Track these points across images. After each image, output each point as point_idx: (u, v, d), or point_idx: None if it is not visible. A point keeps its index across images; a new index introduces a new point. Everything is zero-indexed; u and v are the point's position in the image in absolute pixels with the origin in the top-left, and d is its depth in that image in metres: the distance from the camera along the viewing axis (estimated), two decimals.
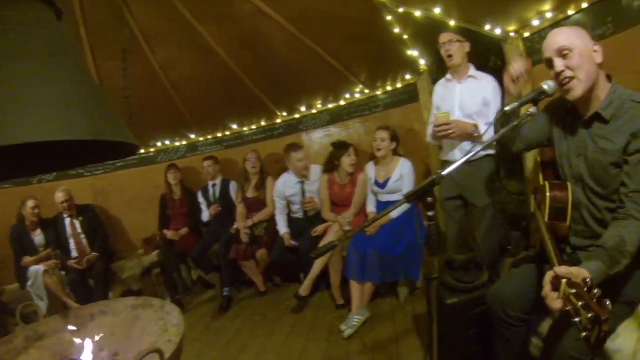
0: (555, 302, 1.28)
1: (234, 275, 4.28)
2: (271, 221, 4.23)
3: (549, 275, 1.33)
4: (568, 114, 1.81)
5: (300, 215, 4.18)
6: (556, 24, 2.46)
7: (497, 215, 2.96)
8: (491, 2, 2.62)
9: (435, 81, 3.14)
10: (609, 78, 1.69)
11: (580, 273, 1.30)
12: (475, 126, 2.72)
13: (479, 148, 1.69)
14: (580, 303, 1.12)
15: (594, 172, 1.67)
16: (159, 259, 4.57)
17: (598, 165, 1.65)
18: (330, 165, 3.90)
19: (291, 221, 4.18)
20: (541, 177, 1.96)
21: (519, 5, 2.57)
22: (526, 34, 2.79)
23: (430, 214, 1.61)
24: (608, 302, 1.08)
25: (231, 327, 3.67)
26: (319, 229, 3.78)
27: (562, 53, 1.62)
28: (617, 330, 1.63)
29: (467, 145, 2.83)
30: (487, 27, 2.84)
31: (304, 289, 3.64)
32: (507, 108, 1.64)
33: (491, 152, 2.80)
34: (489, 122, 2.67)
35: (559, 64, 1.63)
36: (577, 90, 1.62)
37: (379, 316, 3.36)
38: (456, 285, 2.40)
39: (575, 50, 1.60)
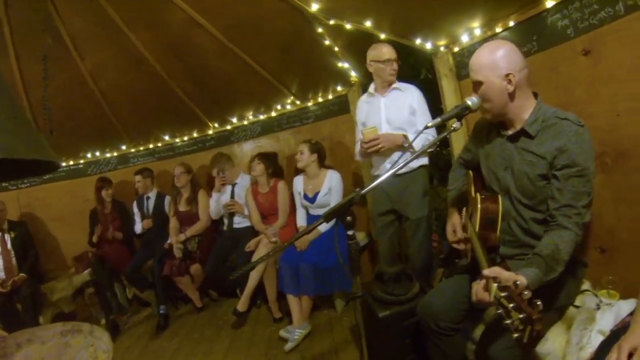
0: (484, 294, 1.37)
1: (170, 292, 4.15)
2: (203, 235, 4.14)
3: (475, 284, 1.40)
4: (496, 128, 1.88)
5: (241, 225, 4.11)
6: (484, 40, 2.54)
7: (430, 225, 3.01)
8: (421, 17, 2.67)
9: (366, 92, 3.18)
10: (534, 95, 1.76)
11: (510, 277, 1.36)
12: (405, 136, 2.75)
13: (401, 163, 1.71)
14: (511, 305, 1.16)
15: (521, 184, 1.73)
16: (91, 278, 4.30)
17: (524, 177, 1.71)
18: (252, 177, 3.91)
19: (232, 231, 4.11)
20: (472, 189, 2.01)
21: (449, 21, 2.64)
22: (455, 49, 2.87)
23: (350, 232, 1.60)
24: (539, 302, 1.12)
25: (169, 347, 3.54)
26: (252, 243, 3.73)
27: (474, 82, 1.73)
28: (546, 334, 1.71)
29: (396, 157, 2.86)
30: (418, 41, 2.89)
31: (241, 304, 3.57)
32: (429, 124, 1.67)
33: (425, 162, 2.85)
34: (417, 129, 2.73)
35: (474, 90, 1.75)
36: (488, 115, 1.76)
37: (317, 328, 3.36)
38: (387, 298, 2.41)
39: (484, 84, 1.70)
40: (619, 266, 1.97)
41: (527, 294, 1.15)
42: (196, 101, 4.34)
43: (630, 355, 1.23)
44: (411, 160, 1.78)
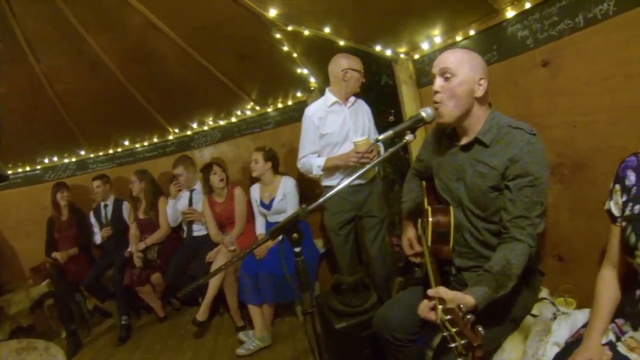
0: (430, 314, 1.36)
1: (131, 302, 4.02)
2: (164, 243, 4.05)
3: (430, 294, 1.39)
4: (448, 138, 1.84)
5: (201, 232, 4.03)
6: (445, 48, 2.53)
7: (387, 233, 3.01)
8: (381, 24, 2.63)
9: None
10: (488, 105, 1.73)
11: (456, 298, 1.33)
12: (377, 146, 2.78)
13: (361, 171, 1.66)
14: (454, 329, 1.13)
15: (473, 195, 1.70)
16: (50, 289, 4.13)
17: (476, 189, 1.68)
18: (207, 188, 3.82)
19: (192, 239, 4.03)
20: (425, 201, 1.98)
21: (409, 28, 2.61)
22: (416, 56, 2.86)
23: (296, 249, 1.56)
24: (480, 329, 1.09)
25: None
26: (212, 254, 3.65)
27: (445, 74, 1.64)
28: (503, 345, 1.70)
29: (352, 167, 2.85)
30: (378, 48, 2.86)
31: (201, 313, 3.50)
32: (380, 137, 1.61)
33: (384, 171, 2.85)
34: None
35: (437, 82, 1.66)
36: (445, 117, 1.66)
37: (279, 336, 3.33)
38: (344, 309, 2.39)
39: (457, 77, 1.63)
40: (576, 275, 1.99)
41: (469, 318, 1.13)
42: (156, 106, 4.23)
43: None
44: (364, 171, 1.74)
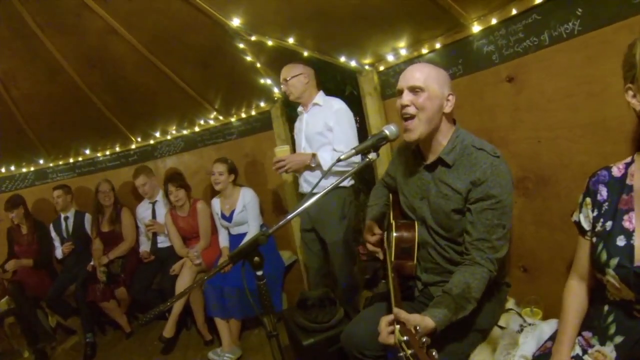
0: (389, 338, 1.33)
1: (96, 318, 3.87)
2: (128, 256, 3.92)
3: (388, 318, 1.37)
4: (413, 156, 1.82)
5: (165, 244, 3.93)
6: (410, 61, 2.54)
7: (352, 247, 2.93)
8: (346, 35, 2.61)
9: (289, 109, 3.10)
10: (453, 122, 1.72)
11: (414, 320, 1.32)
12: (313, 155, 2.69)
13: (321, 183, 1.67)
14: (410, 351, 1.11)
15: (437, 216, 1.69)
16: (10, 307, 3.86)
17: (440, 210, 1.67)
18: (170, 202, 3.71)
19: (157, 251, 3.93)
20: (391, 216, 1.96)
21: (374, 40, 2.60)
22: (381, 68, 2.84)
23: (259, 273, 1.51)
24: (434, 352, 1.07)
25: None
26: (176, 267, 3.55)
27: (415, 90, 1.62)
28: (471, 356, 1.70)
29: (309, 176, 2.81)
30: (342, 59, 2.84)
31: (167, 330, 3.41)
32: (342, 156, 1.58)
33: (345, 184, 2.76)
34: (334, 147, 2.65)
35: (406, 97, 1.63)
36: (414, 132, 1.63)
37: (248, 350, 3.26)
38: (310, 326, 2.35)
39: (427, 92, 1.61)
40: (541, 285, 2.02)
41: (425, 341, 1.10)
42: (117, 114, 4.08)
43: None
44: (319, 181, 1.71)
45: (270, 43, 2.84)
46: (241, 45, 2.94)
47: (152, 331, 3.90)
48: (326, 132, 2.71)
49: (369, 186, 2.41)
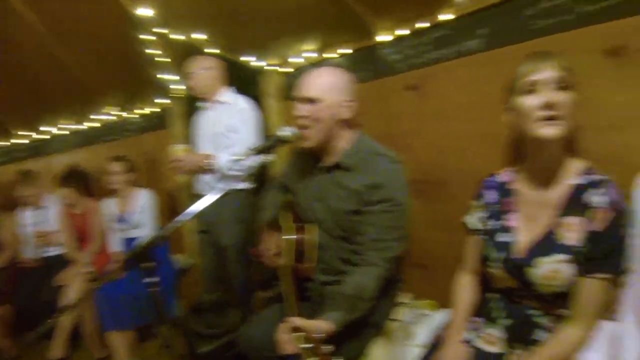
0: (288, 345, 1.35)
1: None
2: (9, 268, 3.51)
3: (285, 326, 1.40)
4: (312, 158, 1.82)
5: (53, 252, 3.55)
6: (317, 64, 2.58)
7: (248, 250, 2.84)
8: (253, 35, 2.62)
9: (192, 106, 2.98)
10: (354, 126, 1.74)
11: (313, 327, 1.35)
12: (208, 157, 2.58)
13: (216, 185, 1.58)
14: (312, 359, 1.17)
15: (334, 218, 1.71)
16: None
17: (338, 212, 1.69)
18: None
19: (44, 259, 3.53)
20: (287, 217, 1.94)
21: (282, 41, 2.62)
22: (286, 69, 2.84)
23: (152, 279, 1.41)
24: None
25: None
26: (63, 277, 3.20)
27: (309, 100, 1.62)
28: (368, 351, 1.71)
29: (206, 177, 2.68)
30: (248, 58, 2.82)
31: (55, 349, 3.04)
32: (237, 158, 1.56)
33: (241, 186, 2.64)
34: (235, 150, 2.53)
35: (300, 108, 1.63)
36: (310, 141, 1.65)
37: None
38: (206, 332, 2.28)
39: (322, 103, 1.62)
40: (435, 280, 2.10)
41: (325, 349, 1.18)
42: (5, 104, 3.70)
43: None
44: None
45: (177, 37, 2.75)
46: (146, 37, 2.81)
47: (42, 352, 3.30)
48: (230, 133, 2.59)
49: (263, 186, 2.39)
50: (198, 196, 2.67)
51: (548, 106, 1.21)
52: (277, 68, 2.86)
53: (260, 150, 1.59)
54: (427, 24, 2.04)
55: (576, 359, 1.23)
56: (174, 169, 2.60)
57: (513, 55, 1.58)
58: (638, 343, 1.08)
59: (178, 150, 2.61)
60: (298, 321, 1.38)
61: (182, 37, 2.75)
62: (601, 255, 1.20)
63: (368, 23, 2.18)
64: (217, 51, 2.79)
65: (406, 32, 2.13)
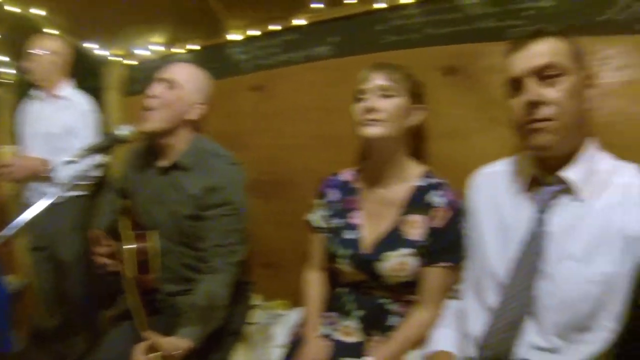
0: None
1: None
2: None
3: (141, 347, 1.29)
4: (149, 158, 1.71)
5: None
6: (164, 58, 2.44)
7: (90, 264, 2.54)
8: (97, 19, 2.36)
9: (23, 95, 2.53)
10: (195, 129, 1.68)
11: (170, 345, 1.28)
12: (45, 164, 2.23)
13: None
14: None
15: (173, 222, 1.61)
16: None
17: (176, 215, 1.60)
18: None
19: None
20: (124, 224, 1.77)
21: (128, 31, 2.43)
22: (130, 62, 2.64)
23: None
24: None
25: None
26: None
27: (168, 82, 1.55)
28: (232, 358, 1.65)
29: (39, 185, 2.30)
30: (91, 45, 2.54)
31: None
32: (73, 158, 1.44)
33: (79, 193, 2.35)
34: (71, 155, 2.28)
35: (157, 88, 1.54)
36: (151, 124, 1.54)
37: None
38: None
39: (180, 91, 1.55)
40: (285, 279, 2.12)
41: None
42: None
43: None
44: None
45: (12, 10, 2.30)
46: None
47: None
48: (67, 135, 2.27)
49: (99, 191, 2.12)
50: (28, 206, 2.28)
51: (368, 110, 1.38)
52: (122, 59, 2.62)
53: (95, 150, 1.44)
54: (279, 27, 2.09)
55: (429, 337, 1.36)
56: (4, 177, 2.17)
57: (360, 65, 1.67)
58: (478, 315, 1.23)
59: (5, 153, 2.21)
60: (155, 339, 1.29)
61: (17, 11, 2.31)
62: (442, 248, 1.37)
63: (221, 20, 2.15)
64: (56, 32, 2.43)
65: (257, 33, 2.15)
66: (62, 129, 2.28)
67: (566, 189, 1.14)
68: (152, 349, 1.28)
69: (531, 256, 1.13)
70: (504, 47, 1.50)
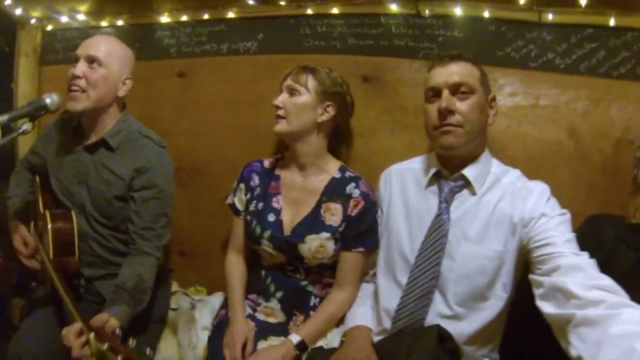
0: (83, 350, 1.13)
1: None
2: None
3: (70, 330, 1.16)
4: (73, 134, 1.66)
5: None
6: (85, 30, 2.31)
7: None
8: None
9: None
10: (123, 106, 1.68)
11: (100, 321, 1.17)
12: None
13: None
14: (119, 356, 1.01)
15: (97, 203, 1.60)
16: None
17: (101, 196, 1.59)
18: None
19: None
20: (41, 203, 1.70)
21: None
22: (49, 27, 2.43)
23: None
24: (148, 350, 1.07)
25: None
26: None
27: (91, 61, 1.52)
28: (159, 345, 1.68)
29: None
30: (7, 2, 2.27)
31: None
32: None
33: None
34: None
35: (80, 67, 1.51)
36: (80, 103, 1.52)
37: None
38: None
39: (104, 69, 1.54)
40: (201, 266, 2.18)
41: (132, 342, 1.06)
42: None
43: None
44: None
45: None
46: None
47: None
48: None
49: (5, 170, 1.94)
50: None
51: (275, 107, 1.55)
52: (40, 23, 2.39)
53: (17, 117, 1.36)
54: (208, 17, 2.10)
55: (346, 315, 1.54)
56: None
57: (283, 63, 1.82)
58: (392, 292, 1.44)
59: None
60: (83, 320, 1.18)
61: None
62: (357, 234, 1.54)
63: (152, 0, 2.11)
64: None
65: (185, 18, 2.14)
66: None
67: (465, 185, 1.41)
68: (81, 331, 1.16)
69: (436, 239, 1.37)
70: (416, 65, 1.79)
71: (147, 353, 1.10)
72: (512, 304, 1.40)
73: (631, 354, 0.82)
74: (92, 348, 1.09)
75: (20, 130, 1.36)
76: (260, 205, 1.63)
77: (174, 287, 2.01)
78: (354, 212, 1.54)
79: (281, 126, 1.54)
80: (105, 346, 1.05)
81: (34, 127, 1.40)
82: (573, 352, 0.95)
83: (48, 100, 1.44)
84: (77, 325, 1.15)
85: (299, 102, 1.54)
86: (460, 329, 1.32)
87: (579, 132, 1.66)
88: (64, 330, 1.18)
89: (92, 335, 1.07)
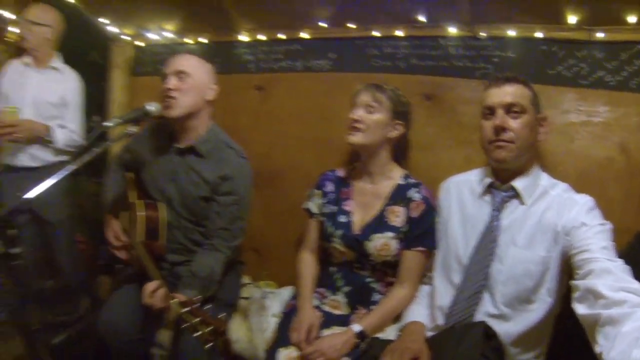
0: (156, 299, 1.48)
1: None
2: None
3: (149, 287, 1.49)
4: (167, 137, 1.90)
5: None
6: (172, 46, 2.56)
7: (74, 229, 2.62)
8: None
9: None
10: (211, 112, 1.90)
11: (175, 295, 1.44)
12: (47, 129, 2.33)
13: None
14: (196, 319, 1.25)
15: (184, 200, 1.83)
16: None
17: (188, 195, 1.82)
18: None
19: None
20: (133, 194, 1.95)
21: (142, 14, 2.53)
22: (140, 43, 2.70)
23: (14, 250, 1.37)
24: (221, 315, 1.27)
25: None
26: None
27: (179, 74, 1.74)
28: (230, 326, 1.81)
29: (37, 150, 2.36)
30: (102, 20, 2.55)
31: None
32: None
33: (68, 158, 2.45)
34: (64, 124, 2.40)
35: (172, 81, 1.74)
36: (175, 110, 1.74)
37: None
38: (55, 320, 2.09)
39: (192, 78, 1.76)
40: (272, 263, 2.36)
41: (208, 308, 1.31)
42: None
43: None
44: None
45: None
46: None
47: None
48: (61, 106, 2.40)
49: (92, 168, 2.16)
50: (14, 168, 2.36)
51: (354, 120, 1.69)
52: (131, 39, 2.68)
53: (127, 120, 1.62)
54: (284, 37, 2.30)
55: (404, 312, 1.69)
56: (5, 135, 2.18)
57: (352, 81, 1.96)
58: (446, 291, 1.58)
59: (11, 112, 2.23)
60: (163, 286, 1.50)
61: None
62: (418, 235, 1.69)
63: (232, 20, 2.31)
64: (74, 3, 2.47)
65: (263, 37, 2.34)
66: (58, 98, 2.40)
67: (515, 195, 1.55)
68: (159, 292, 1.48)
69: (487, 243, 1.52)
70: (473, 84, 1.92)
71: (221, 318, 1.29)
72: (560, 317, 1.49)
73: (636, 344, 0.88)
74: (173, 308, 1.37)
75: (127, 132, 1.63)
76: (334, 208, 1.83)
77: (246, 280, 2.19)
78: (415, 214, 1.70)
79: (357, 138, 1.71)
80: (185, 309, 1.29)
81: (139, 130, 1.66)
82: (597, 350, 0.98)
83: (151, 108, 1.70)
84: (154, 283, 1.50)
85: (375, 119, 1.71)
86: (506, 329, 1.43)
87: (629, 148, 1.73)
88: (145, 286, 1.53)
89: (175, 300, 1.36)
